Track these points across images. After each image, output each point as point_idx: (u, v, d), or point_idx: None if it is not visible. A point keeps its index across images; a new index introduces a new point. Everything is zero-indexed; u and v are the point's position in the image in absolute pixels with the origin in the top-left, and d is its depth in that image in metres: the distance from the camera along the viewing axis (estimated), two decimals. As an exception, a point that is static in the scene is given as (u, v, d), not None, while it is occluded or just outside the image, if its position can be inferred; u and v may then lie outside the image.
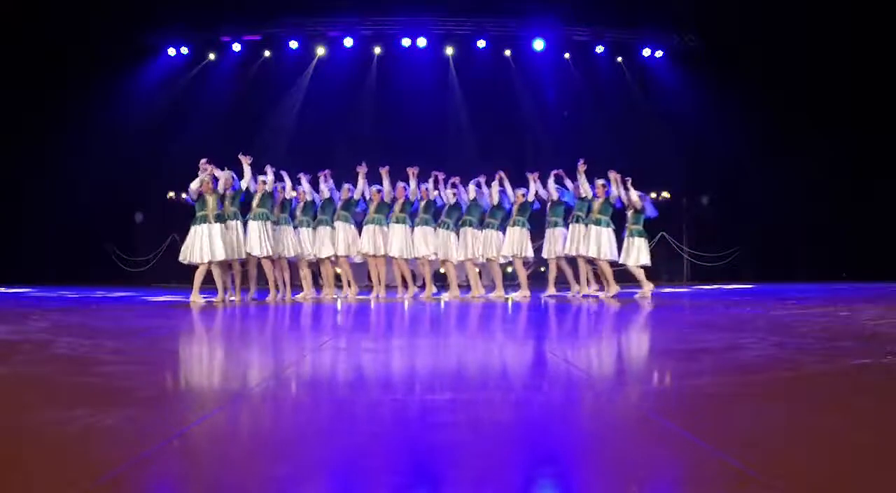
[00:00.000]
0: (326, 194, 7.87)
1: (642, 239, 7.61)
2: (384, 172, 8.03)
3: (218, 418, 1.62)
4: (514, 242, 7.85)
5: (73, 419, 1.53)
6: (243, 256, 7.23)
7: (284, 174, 7.74)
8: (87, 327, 4.29)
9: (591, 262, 7.89)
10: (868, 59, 12.14)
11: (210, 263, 6.90)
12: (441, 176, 8.10)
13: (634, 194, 7.56)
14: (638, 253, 7.52)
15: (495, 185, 7.92)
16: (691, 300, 7.52)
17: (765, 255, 13.77)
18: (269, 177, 7.43)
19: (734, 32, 12.70)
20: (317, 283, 8.62)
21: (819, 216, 13.26)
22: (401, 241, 7.82)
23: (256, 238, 7.19)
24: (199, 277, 6.98)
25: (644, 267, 7.59)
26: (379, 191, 7.95)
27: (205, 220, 6.88)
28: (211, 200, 6.96)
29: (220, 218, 6.98)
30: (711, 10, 12.39)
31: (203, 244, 6.83)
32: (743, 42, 12.80)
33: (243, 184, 7.18)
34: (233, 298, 7.40)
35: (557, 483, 1.14)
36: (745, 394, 1.90)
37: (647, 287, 7.51)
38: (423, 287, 8.63)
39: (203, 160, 7.09)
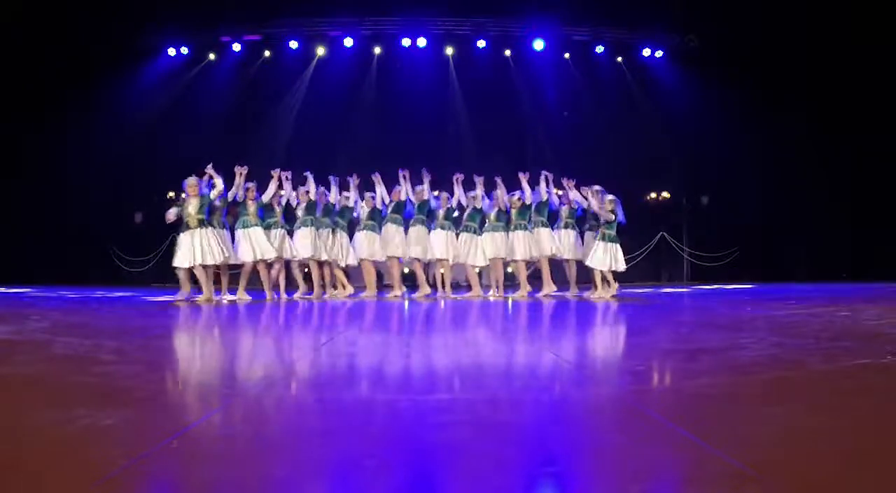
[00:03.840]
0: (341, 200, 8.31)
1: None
2: (376, 179, 8.25)
3: (217, 417, 1.62)
4: (526, 244, 8.04)
5: (73, 419, 1.53)
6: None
7: (332, 181, 8.18)
8: (87, 327, 4.29)
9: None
10: (868, 60, 12.14)
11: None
12: (461, 177, 8.27)
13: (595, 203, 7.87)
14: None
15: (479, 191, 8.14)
16: (691, 300, 7.52)
17: (765, 255, 13.77)
18: (311, 187, 7.98)
19: (734, 33, 12.69)
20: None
21: (819, 216, 13.26)
22: (396, 242, 8.05)
23: (309, 242, 7.76)
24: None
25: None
26: (372, 197, 8.20)
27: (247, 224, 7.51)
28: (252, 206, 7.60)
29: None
30: (711, 11, 12.40)
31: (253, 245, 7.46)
32: (743, 42, 12.80)
33: (230, 194, 7.40)
34: (228, 298, 7.60)
35: (557, 483, 1.14)
36: (745, 394, 1.90)
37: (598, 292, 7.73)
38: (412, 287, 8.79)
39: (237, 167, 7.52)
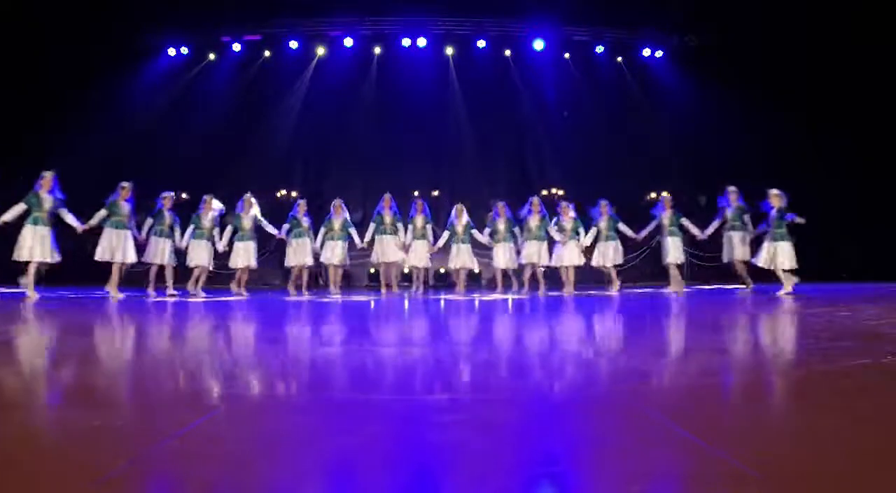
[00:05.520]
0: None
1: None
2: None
3: (217, 418, 1.62)
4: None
5: (74, 419, 1.53)
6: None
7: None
8: (86, 326, 4.29)
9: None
10: (868, 60, 12.13)
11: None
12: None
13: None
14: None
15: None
16: (691, 300, 7.51)
17: (765, 255, 13.75)
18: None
19: (734, 32, 12.70)
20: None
21: (819, 216, 13.24)
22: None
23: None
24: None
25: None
26: (342, 205, 9.19)
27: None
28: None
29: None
30: (711, 10, 12.40)
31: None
32: (743, 42, 12.80)
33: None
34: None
35: (557, 483, 1.14)
36: (745, 394, 1.90)
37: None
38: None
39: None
